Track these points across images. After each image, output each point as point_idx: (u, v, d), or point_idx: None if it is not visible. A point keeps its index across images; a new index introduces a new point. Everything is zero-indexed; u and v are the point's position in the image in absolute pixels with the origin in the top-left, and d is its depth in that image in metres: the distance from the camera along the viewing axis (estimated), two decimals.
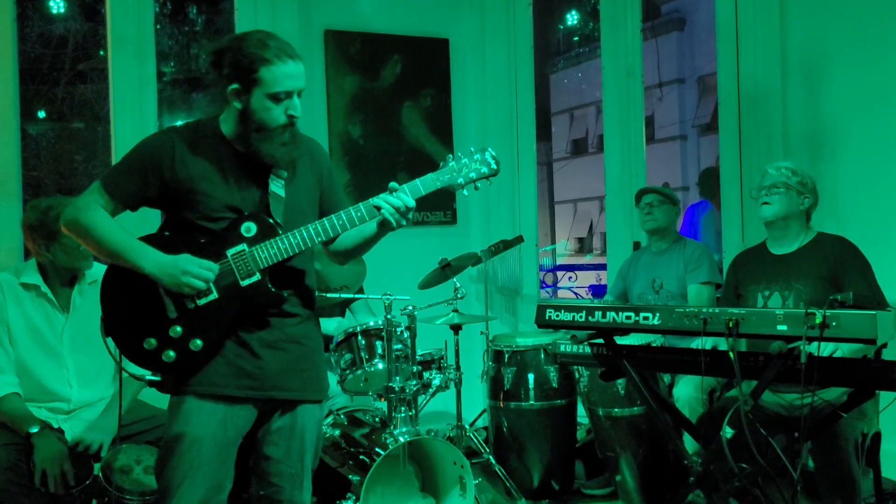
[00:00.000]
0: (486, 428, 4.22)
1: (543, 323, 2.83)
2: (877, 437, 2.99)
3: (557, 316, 2.78)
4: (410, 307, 3.37)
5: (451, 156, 2.22)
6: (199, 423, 2.09)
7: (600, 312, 2.68)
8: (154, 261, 2.06)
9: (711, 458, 2.63)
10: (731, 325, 2.38)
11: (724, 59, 4.42)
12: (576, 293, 8.99)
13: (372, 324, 3.51)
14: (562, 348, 3.18)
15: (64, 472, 2.75)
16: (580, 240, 23.73)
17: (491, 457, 3.77)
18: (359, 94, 4.88)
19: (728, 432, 2.45)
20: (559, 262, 17.55)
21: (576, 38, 20.10)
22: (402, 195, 2.13)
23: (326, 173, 2.34)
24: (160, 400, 2.32)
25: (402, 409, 3.14)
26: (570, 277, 9.83)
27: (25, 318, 2.94)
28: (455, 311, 3.84)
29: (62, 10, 8.67)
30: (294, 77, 2.07)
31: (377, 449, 3.06)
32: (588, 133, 22.79)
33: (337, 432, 3.42)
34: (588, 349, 2.98)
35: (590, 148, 22.60)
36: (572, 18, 16.30)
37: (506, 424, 3.79)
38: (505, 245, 4.51)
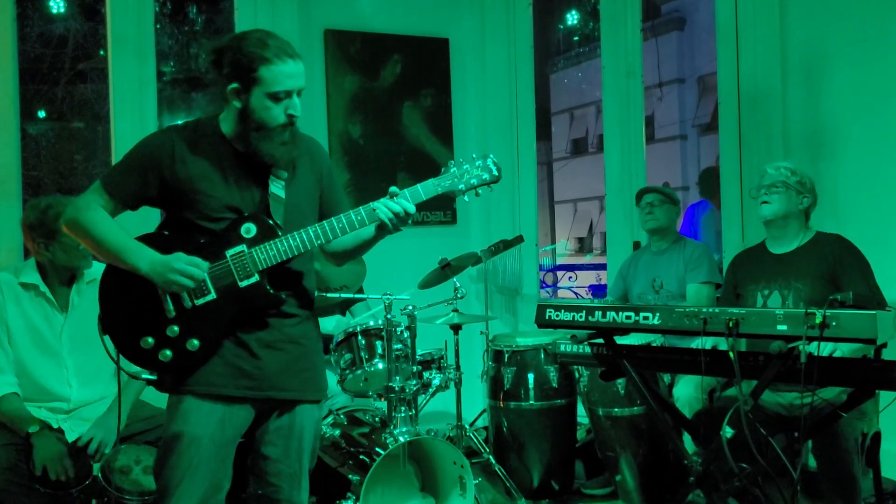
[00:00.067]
0: (486, 428, 4.22)
1: (543, 323, 2.83)
2: (877, 437, 2.99)
3: (557, 316, 2.78)
4: (410, 307, 3.37)
5: (452, 161, 2.22)
6: (197, 423, 2.09)
7: (600, 312, 2.69)
8: (150, 260, 2.06)
9: (711, 458, 2.63)
10: (731, 324, 2.38)
11: (724, 59, 4.42)
12: (576, 293, 8.99)
13: (372, 324, 3.51)
14: (562, 348, 3.18)
15: (65, 468, 2.75)
16: (580, 240, 23.73)
17: (491, 457, 3.77)
18: (359, 93, 4.88)
19: (728, 432, 2.45)
20: (559, 261, 17.55)
21: (576, 38, 20.09)
22: (403, 201, 2.13)
23: (326, 173, 2.33)
24: (160, 400, 2.33)
25: (402, 408, 3.15)
26: (570, 277, 9.82)
27: (24, 318, 2.94)
28: (455, 310, 3.84)
29: (62, 10, 8.67)
30: (294, 76, 2.07)
31: (377, 449, 3.07)
32: (588, 133, 22.78)
33: (337, 432, 3.42)
34: (588, 349, 2.99)
35: (590, 148, 22.60)
36: (572, 18, 16.29)
37: (506, 424, 3.79)
38: (505, 245, 4.51)
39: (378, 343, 3.47)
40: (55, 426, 2.88)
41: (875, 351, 2.33)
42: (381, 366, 3.42)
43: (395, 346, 3.20)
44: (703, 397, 3.41)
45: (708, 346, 2.72)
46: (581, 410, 3.80)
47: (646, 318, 2.58)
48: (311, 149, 2.31)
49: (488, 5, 5.16)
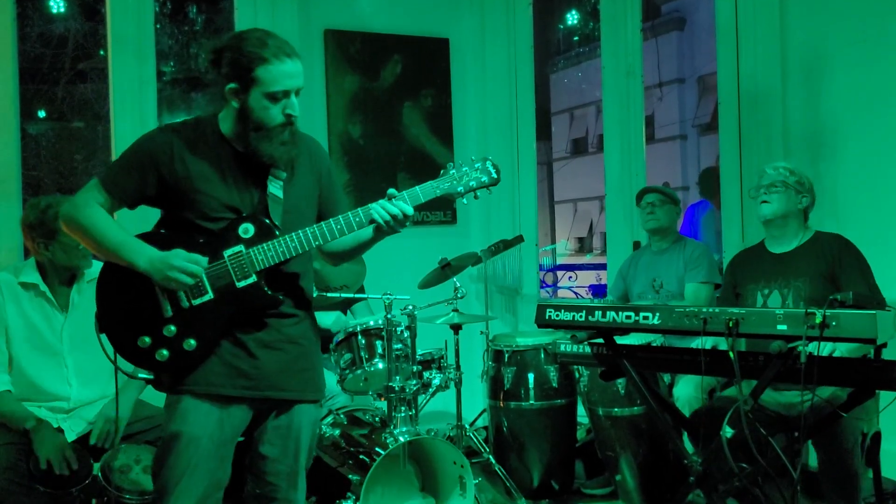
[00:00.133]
0: (485, 428, 4.22)
1: (543, 323, 2.83)
2: (877, 437, 2.99)
3: (557, 316, 2.78)
4: (410, 307, 3.37)
5: (451, 164, 2.22)
6: (196, 422, 2.09)
7: (600, 312, 2.69)
8: (148, 257, 2.05)
9: (711, 458, 2.63)
10: (730, 324, 2.38)
11: (724, 59, 4.42)
12: (576, 293, 8.99)
13: (372, 323, 3.51)
14: (562, 348, 3.18)
15: (67, 460, 2.75)
16: (580, 239, 23.74)
17: (491, 456, 3.77)
18: (359, 93, 4.88)
19: (728, 432, 2.45)
20: (559, 261, 17.55)
21: (576, 38, 20.10)
22: (401, 203, 2.13)
23: (325, 172, 2.33)
24: (159, 399, 2.33)
25: (402, 408, 3.14)
26: (570, 277, 9.82)
27: (24, 318, 2.94)
28: (455, 310, 3.84)
29: (62, 10, 8.67)
30: (292, 76, 2.07)
31: (377, 448, 3.06)
32: (588, 133, 22.79)
33: (337, 432, 3.42)
34: (588, 349, 2.99)
35: (590, 147, 22.61)
36: (572, 18, 16.30)
37: (506, 424, 3.79)
38: (505, 245, 4.51)
39: (378, 343, 3.47)
40: (55, 426, 2.88)
41: (875, 351, 2.33)
42: (381, 365, 3.41)
43: (396, 346, 3.20)
44: (703, 397, 3.41)
45: (708, 346, 2.72)
46: (581, 410, 3.80)
47: (646, 318, 2.59)
48: (311, 148, 2.31)
49: (488, 5, 5.16)
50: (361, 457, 3.13)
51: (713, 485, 2.67)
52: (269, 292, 2.13)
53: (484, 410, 4.41)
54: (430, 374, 3.60)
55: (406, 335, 3.32)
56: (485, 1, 5.17)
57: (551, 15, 15.65)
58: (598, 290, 8.54)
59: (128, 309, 2.11)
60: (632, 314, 2.62)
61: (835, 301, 2.30)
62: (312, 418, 2.31)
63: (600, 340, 2.90)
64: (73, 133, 10.53)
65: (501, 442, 3.82)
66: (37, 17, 9.28)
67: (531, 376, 3.74)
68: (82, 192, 2.13)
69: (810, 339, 2.24)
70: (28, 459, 2.75)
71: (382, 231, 2.16)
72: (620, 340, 2.92)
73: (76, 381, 2.99)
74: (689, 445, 3.02)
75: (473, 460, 3.56)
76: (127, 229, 2.14)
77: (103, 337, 2.14)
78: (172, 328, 2.08)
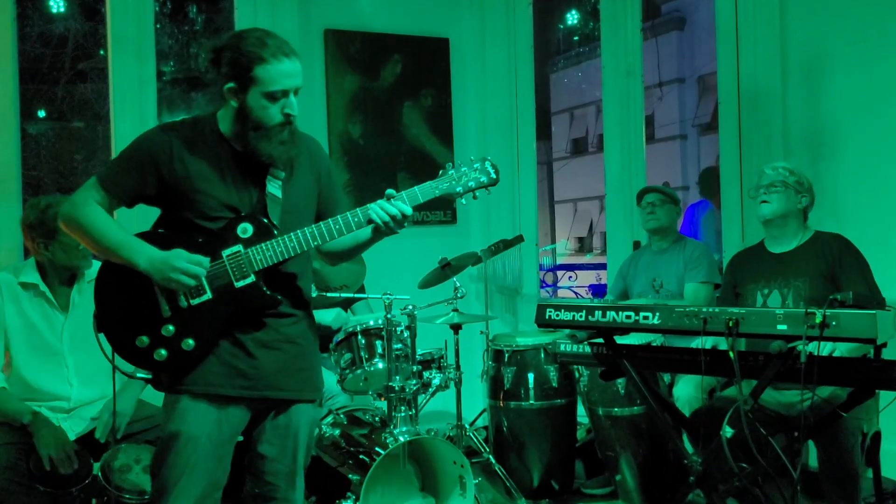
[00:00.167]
0: (485, 427, 4.22)
1: (543, 322, 2.83)
2: (877, 437, 2.99)
3: (557, 315, 2.78)
4: (410, 306, 3.37)
5: (450, 164, 2.21)
6: (194, 422, 2.09)
7: (600, 312, 2.69)
8: (148, 257, 2.05)
9: (711, 458, 2.63)
10: (730, 324, 2.38)
11: (724, 59, 4.42)
12: (576, 293, 8.99)
13: (372, 323, 3.51)
14: (562, 348, 3.18)
15: (69, 458, 2.76)
16: (580, 239, 23.74)
17: (491, 456, 3.77)
18: (359, 93, 4.88)
19: (728, 432, 2.45)
20: (559, 261, 17.55)
21: (576, 38, 20.09)
22: (400, 203, 2.12)
23: (325, 172, 2.33)
24: (159, 399, 2.33)
25: (402, 408, 3.14)
26: (570, 277, 9.82)
27: (24, 318, 2.94)
28: (455, 310, 3.84)
29: (62, 10, 8.67)
30: (290, 75, 2.06)
31: (377, 448, 3.06)
32: (588, 132, 22.79)
33: (337, 432, 3.42)
34: (588, 349, 2.99)
35: (590, 147, 22.61)
36: (572, 18, 16.30)
37: (506, 424, 3.79)
38: (505, 244, 4.51)
39: (378, 342, 3.47)
40: (56, 425, 2.88)
41: (875, 350, 2.33)
42: (381, 365, 3.41)
43: (395, 346, 3.20)
44: (703, 397, 3.41)
45: (708, 346, 2.72)
46: (581, 410, 3.80)
47: (646, 317, 2.59)
48: (311, 148, 2.30)
49: (488, 5, 5.16)
50: (361, 457, 3.13)
51: (713, 485, 2.67)
52: (268, 292, 2.13)
53: (484, 410, 4.41)
54: (430, 374, 3.60)
55: (406, 335, 3.32)
56: (485, 1, 5.17)
57: (551, 15, 15.65)
58: (598, 290, 8.54)
59: (126, 308, 2.10)
60: (632, 314, 2.62)
61: (835, 301, 2.30)
62: (310, 418, 2.31)
63: (600, 340, 2.90)
64: (73, 133, 10.53)
65: (501, 442, 3.82)
66: (37, 16, 9.28)
67: (531, 376, 3.74)
68: (81, 191, 2.13)
69: (810, 338, 2.24)
70: (28, 459, 2.75)
71: (381, 231, 2.16)
72: (620, 340, 2.92)
73: (76, 380, 2.99)
74: (689, 445, 3.02)
75: (473, 460, 3.56)
76: (127, 228, 2.14)
77: (101, 336, 2.14)
78: (171, 328, 2.08)
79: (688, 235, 4.30)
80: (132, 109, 4.20)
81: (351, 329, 3.53)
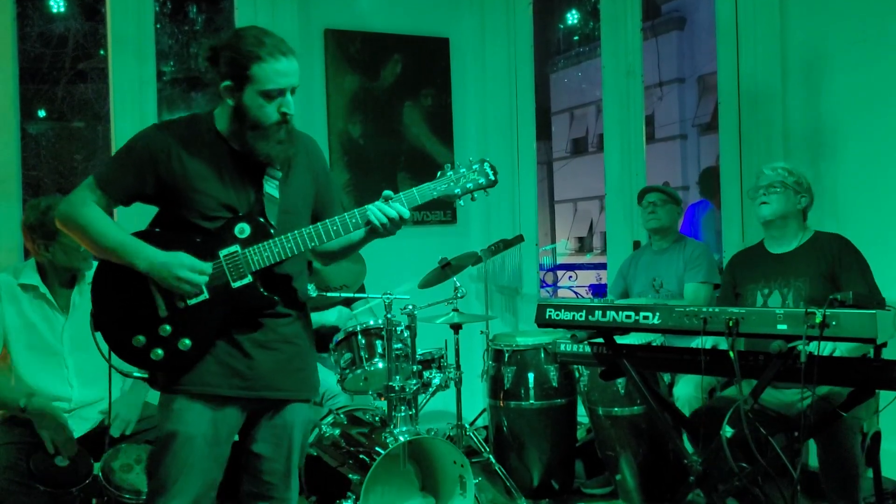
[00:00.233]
0: (486, 427, 4.22)
1: (543, 322, 2.83)
2: (877, 437, 2.99)
3: (557, 315, 2.78)
4: (410, 306, 3.37)
5: (448, 165, 2.21)
6: (191, 422, 2.09)
7: (600, 312, 2.69)
8: (148, 260, 2.04)
9: (711, 458, 2.63)
10: (731, 324, 2.38)
11: (724, 59, 4.42)
12: (576, 292, 8.99)
13: (372, 323, 3.51)
14: (562, 347, 3.18)
15: (69, 438, 2.78)
16: (580, 239, 23.73)
17: (491, 456, 3.77)
18: (359, 93, 4.88)
19: (728, 431, 2.45)
20: (559, 261, 17.54)
21: (576, 38, 20.09)
22: (397, 205, 2.12)
23: (322, 171, 2.32)
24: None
25: (402, 408, 3.15)
26: (570, 277, 9.83)
27: (24, 319, 2.93)
28: (455, 310, 3.85)
29: (62, 10, 8.67)
30: (287, 74, 2.06)
31: (377, 448, 3.06)
32: (588, 132, 22.78)
33: (337, 431, 3.42)
34: (588, 348, 2.99)
35: (590, 147, 22.60)
36: (572, 18, 16.30)
37: (506, 424, 3.79)
38: (505, 244, 4.51)
39: (378, 342, 3.47)
40: (52, 406, 2.88)
41: (875, 350, 2.34)
42: (381, 365, 3.42)
43: (396, 346, 3.20)
44: (703, 397, 3.41)
45: (708, 346, 2.72)
46: (581, 410, 3.80)
47: (646, 317, 2.59)
48: (308, 147, 2.30)
49: (488, 5, 5.16)
50: (361, 456, 3.13)
51: (713, 484, 2.67)
52: (265, 293, 2.12)
53: (484, 410, 4.41)
54: (430, 374, 3.60)
55: (406, 335, 3.33)
56: (485, 0, 5.17)
57: (551, 14, 15.65)
58: (598, 290, 8.54)
59: (123, 307, 2.10)
60: (632, 314, 2.62)
61: (835, 301, 2.30)
62: (305, 417, 2.31)
63: (600, 340, 2.90)
64: (73, 133, 10.52)
65: (501, 441, 3.83)
66: (37, 16, 9.28)
67: (531, 376, 3.74)
68: (78, 191, 2.12)
69: (810, 338, 2.24)
70: (28, 459, 2.74)
71: (377, 233, 2.15)
72: (620, 340, 2.92)
73: (77, 381, 2.98)
74: (689, 445, 3.03)
75: (473, 460, 3.56)
76: (125, 228, 2.13)
77: (98, 335, 2.13)
78: (167, 328, 2.08)
79: (688, 235, 4.30)
80: (132, 109, 4.20)
81: (351, 329, 3.53)
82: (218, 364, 2.11)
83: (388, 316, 3.21)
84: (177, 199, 2.11)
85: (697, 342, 2.97)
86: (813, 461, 3.13)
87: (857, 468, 2.79)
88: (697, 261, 3.88)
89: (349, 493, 3.06)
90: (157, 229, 2.15)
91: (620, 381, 3.44)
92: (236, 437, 2.22)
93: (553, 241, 21.92)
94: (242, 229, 2.11)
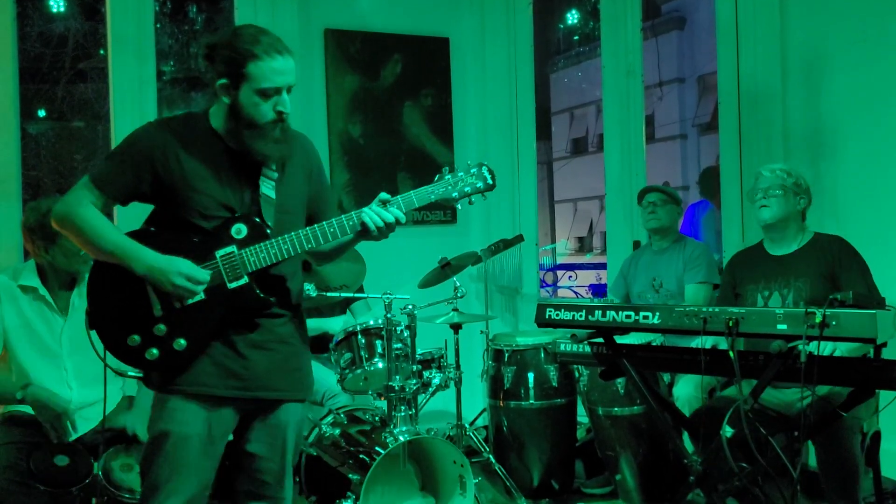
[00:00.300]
0: (485, 427, 4.22)
1: (543, 322, 2.83)
2: (877, 437, 2.99)
3: (557, 315, 2.78)
4: (410, 306, 3.37)
5: (446, 168, 2.22)
6: (185, 422, 2.08)
7: (600, 311, 2.69)
8: (147, 265, 2.04)
9: (711, 458, 2.63)
10: (730, 324, 2.38)
11: (724, 59, 4.42)
12: (576, 292, 9.00)
13: (372, 323, 3.51)
14: (562, 347, 3.18)
15: (71, 421, 2.79)
16: (580, 239, 23.74)
17: (491, 456, 3.77)
18: (359, 93, 4.88)
19: (728, 431, 2.45)
20: (559, 261, 17.55)
21: (576, 38, 20.09)
22: (394, 209, 2.12)
23: (317, 171, 2.32)
24: None
25: (402, 408, 3.14)
26: (570, 276, 9.84)
27: (23, 320, 2.93)
28: (455, 310, 3.84)
29: (62, 9, 8.67)
30: (283, 73, 2.05)
31: (377, 448, 3.06)
32: (588, 132, 22.78)
33: (337, 431, 3.42)
34: (588, 348, 2.99)
35: (590, 147, 22.61)
36: (572, 17, 16.31)
37: (506, 423, 3.79)
38: (505, 244, 4.51)
39: (378, 342, 3.47)
40: (49, 391, 2.87)
41: (875, 350, 2.34)
42: (381, 365, 3.41)
43: (395, 346, 3.20)
44: (703, 396, 3.41)
45: (708, 346, 2.73)
46: (581, 410, 3.80)
47: (646, 317, 2.59)
48: (304, 146, 2.29)
49: (488, 5, 5.16)
50: (361, 456, 3.13)
51: (713, 484, 2.67)
52: (261, 294, 2.12)
53: (484, 410, 4.41)
54: (430, 374, 3.59)
55: (406, 334, 3.32)
56: (485, 0, 5.17)
57: (551, 14, 15.65)
58: (598, 290, 8.54)
59: (119, 306, 2.09)
60: (632, 314, 2.62)
61: (835, 300, 2.30)
62: (298, 417, 2.31)
63: (600, 340, 2.90)
64: (73, 133, 10.52)
65: (501, 441, 3.83)
66: (37, 16, 9.28)
67: (531, 376, 3.74)
68: (74, 191, 2.10)
69: (810, 338, 2.24)
70: (28, 458, 2.74)
71: (371, 236, 2.15)
72: (620, 340, 2.92)
73: (76, 383, 2.98)
74: (689, 445, 3.03)
75: (473, 460, 3.56)
76: (126, 226, 2.13)
77: (93, 334, 2.12)
78: (162, 327, 2.07)
79: (688, 235, 4.30)
80: (132, 109, 4.20)
81: (351, 329, 3.53)
82: (213, 364, 2.11)
83: (388, 316, 3.21)
84: (175, 198, 2.10)
85: (697, 342, 2.97)
86: (813, 461, 3.13)
87: (856, 468, 2.79)
88: (697, 261, 3.88)
89: (349, 493, 3.06)
90: (152, 229, 2.14)
91: (620, 380, 3.44)
92: (230, 437, 2.21)
93: (553, 241, 21.93)
94: (239, 230, 2.10)
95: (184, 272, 2.04)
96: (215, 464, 2.15)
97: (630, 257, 4.27)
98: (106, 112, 4.89)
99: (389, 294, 3.26)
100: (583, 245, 23.48)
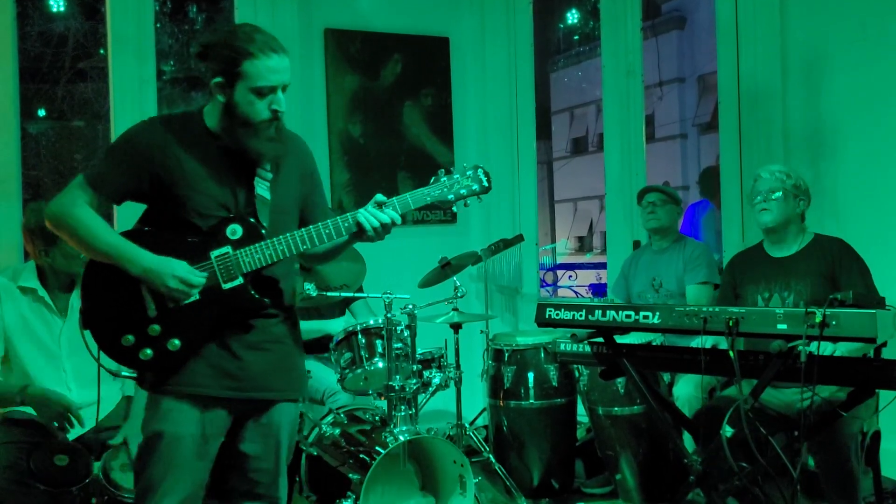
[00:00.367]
0: (485, 427, 4.22)
1: (543, 322, 2.83)
2: (876, 437, 2.99)
3: (557, 315, 2.78)
4: (410, 306, 3.37)
5: (442, 171, 2.22)
6: (178, 422, 2.08)
7: (600, 311, 2.69)
8: (142, 266, 2.03)
9: (711, 457, 2.63)
10: (731, 323, 2.38)
11: (724, 58, 4.42)
12: (576, 292, 9.00)
13: (372, 322, 3.51)
14: (562, 347, 3.18)
15: (75, 417, 2.78)
16: (580, 239, 23.73)
17: (491, 455, 3.77)
18: (359, 93, 4.88)
19: (728, 431, 2.45)
20: (559, 260, 17.55)
21: (576, 37, 20.08)
22: (390, 211, 2.12)
23: (310, 172, 2.31)
24: None
25: (402, 407, 3.14)
26: (570, 276, 9.84)
27: (22, 321, 2.92)
28: (455, 309, 3.84)
29: (62, 9, 8.67)
30: (278, 72, 2.04)
31: (377, 448, 3.06)
32: (588, 132, 22.77)
33: (337, 431, 3.42)
34: (588, 348, 2.99)
35: (590, 147, 22.60)
36: (572, 17, 16.30)
37: (506, 423, 3.79)
38: (505, 244, 4.51)
39: (378, 342, 3.47)
40: (47, 390, 2.87)
41: (875, 350, 2.34)
42: (381, 364, 3.41)
43: (396, 345, 3.19)
44: (703, 396, 3.41)
45: (708, 345, 2.73)
46: (581, 409, 3.80)
47: (646, 317, 2.59)
48: (298, 147, 2.29)
49: (488, 4, 5.16)
50: (362, 456, 3.13)
51: (713, 484, 2.67)
52: (256, 295, 2.12)
53: (484, 409, 4.41)
54: (430, 373, 3.59)
55: (406, 334, 3.32)
56: (485, 0, 5.17)
57: (551, 14, 15.64)
58: (598, 290, 8.55)
59: (112, 306, 2.08)
60: (632, 313, 2.62)
61: (835, 300, 2.30)
62: (292, 417, 2.31)
63: (600, 339, 2.90)
64: (73, 132, 10.52)
65: (501, 441, 3.83)
66: (37, 16, 9.28)
67: (531, 375, 3.74)
68: (68, 191, 2.08)
69: (810, 338, 2.24)
70: (28, 458, 2.74)
71: (367, 237, 2.15)
72: (620, 339, 2.92)
73: (75, 384, 2.97)
74: (689, 445, 3.03)
75: (473, 459, 3.56)
76: (125, 224, 2.12)
77: (87, 334, 2.12)
78: (156, 328, 2.07)
79: (688, 235, 4.30)
80: (132, 109, 4.20)
81: (351, 328, 3.53)
82: (207, 365, 2.10)
83: (388, 315, 3.21)
84: (171, 198, 2.08)
85: (697, 342, 2.97)
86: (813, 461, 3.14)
87: (856, 468, 2.79)
88: (697, 261, 3.88)
89: (349, 493, 3.06)
90: (147, 228, 2.13)
91: (620, 380, 3.44)
92: (222, 438, 2.21)
93: (553, 240, 21.93)
94: (234, 230, 2.10)
95: (178, 275, 2.03)
96: (209, 464, 2.15)
97: (630, 257, 4.27)
98: (106, 112, 4.89)
99: (389, 294, 3.26)
100: (583, 245, 23.47)
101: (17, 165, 4.02)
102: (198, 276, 2.06)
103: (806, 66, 4.05)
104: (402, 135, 5.00)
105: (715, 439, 2.54)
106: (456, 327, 3.90)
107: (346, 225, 2.13)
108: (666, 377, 3.60)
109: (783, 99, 4.13)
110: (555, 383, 3.73)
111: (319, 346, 3.81)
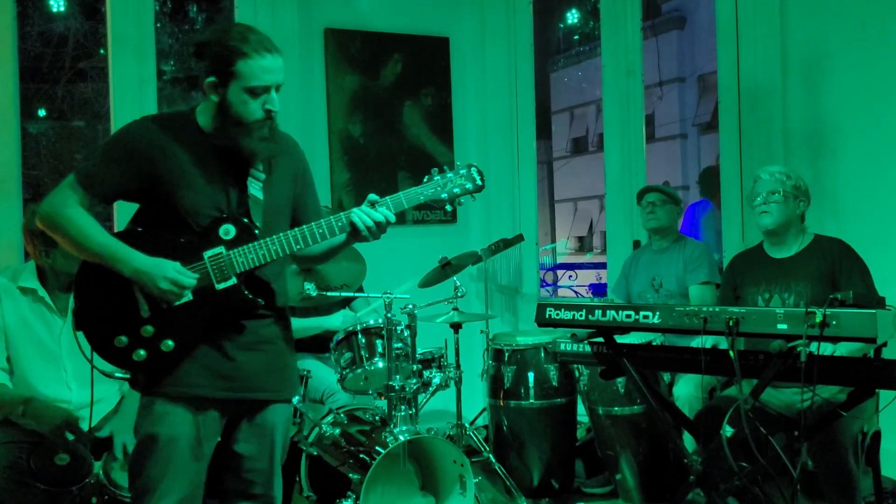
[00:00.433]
0: (486, 426, 4.22)
1: (543, 321, 2.83)
2: (876, 436, 2.99)
3: (557, 314, 2.78)
4: (410, 306, 3.37)
5: (436, 170, 2.22)
6: (172, 424, 2.07)
7: (600, 311, 2.69)
8: (133, 267, 2.02)
9: (711, 457, 2.63)
10: (731, 323, 2.38)
11: (724, 58, 4.42)
12: (576, 292, 9.00)
13: (372, 322, 3.51)
14: (562, 347, 3.18)
15: (72, 429, 2.76)
16: (580, 238, 23.73)
17: (491, 455, 3.77)
18: (359, 92, 4.88)
19: (728, 431, 2.45)
20: (559, 260, 17.55)
21: (576, 37, 20.09)
22: (384, 210, 2.12)
23: (302, 173, 2.31)
24: None
25: (402, 407, 3.14)
26: (570, 276, 9.84)
27: (23, 322, 2.92)
28: (455, 309, 3.84)
29: (62, 9, 8.67)
30: (272, 71, 2.04)
31: (377, 448, 3.06)
32: (588, 132, 22.77)
33: (337, 431, 3.42)
34: (588, 348, 2.99)
35: (590, 146, 22.59)
36: (572, 17, 16.30)
37: (506, 423, 3.79)
38: (505, 244, 4.51)
39: (378, 342, 3.47)
40: (46, 404, 2.86)
41: (875, 350, 2.34)
42: (381, 364, 3.41)
43: (396, 345, 3.19)
44: (703, 396, 3.41)
45: (708, 345, 2.73)
46: (581, 409, 3.80)
47: (646, 316, 2.59)
48: (291, 148, 2.29)
49: (488, 4, 5.16)
50: (362, 456, 3.13)
51: (713, 484, 2.67)
52: (249, 295, 2.11)
53: (484, 409, 4.41)
54: (430, 373, 3.59)
55: (406, 334, 3.32)
56: (485, 0, 5.17)
57: (551, 14, 15.65)
58: (598, 289, 8.55)
59: (106, 307, 2.07)
60: (632, 313, 2.62)
61: (835, 300, 2.30)
62: (285, 417, 2.31)
63: (600, 339, 2.90)
64: (73, 132, 10.53)
65: (501, 441, 3.83)
66: (37, 15, 9.28)
67: (531, 375, 3.74)
68: (58, 191, 2.07)
69: (810, 338, 2.24)
70: (28, 458, 2.74)
71: (362, 237, 2.14)
72: (620, 339, 2.92)
73: (75, 384, 2.97)
74: (689, 444, 3.02)
75: (473, 459, 3.56)
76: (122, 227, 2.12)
77: (80, 335, 2.11)
78: (150, 329, 2.06)
79: (688, 235, 4.30)
80: (132, 109, 4.19)
81: (351, 328, 3.53)
82: (201, 366, 2.10)
83: (389, 315, 3.21)
84: (164, 197, 2.08)
85: (697, 342, 2.97)
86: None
87: (856, 468, 2.79)
88: (698, 261, 3.88)
89: (349, 493, 3.06)
90: (139, 229, 2.12)
91: (620, 380, 3.44)
92: (217, 438, 2.21)
93: (553, 240, 21.93)
94: (227, 230, 2.09)
95: (170, 276, 2.02)
96: (205, 464, 2.14)
97: (630, 257, 4.27)
98: (106, 111, 4.89)
99: (389, 293, 3.26)
100: (583, 245, 23.47)
101: (18, 165, 4.02)
102: (189, 278, 2.05)
103: (806, 66, 4.05)
104: (402, 134, 5.00)
105: (715, 439, 2.54)
106: (456, 327, 3.90)
107: (340, 224, 2.12)
108: (666, 377, 3.60)
109: (783, 99, 4.13)
110: (555, 383, 3.73)
111: (319, 346, 3.80)
